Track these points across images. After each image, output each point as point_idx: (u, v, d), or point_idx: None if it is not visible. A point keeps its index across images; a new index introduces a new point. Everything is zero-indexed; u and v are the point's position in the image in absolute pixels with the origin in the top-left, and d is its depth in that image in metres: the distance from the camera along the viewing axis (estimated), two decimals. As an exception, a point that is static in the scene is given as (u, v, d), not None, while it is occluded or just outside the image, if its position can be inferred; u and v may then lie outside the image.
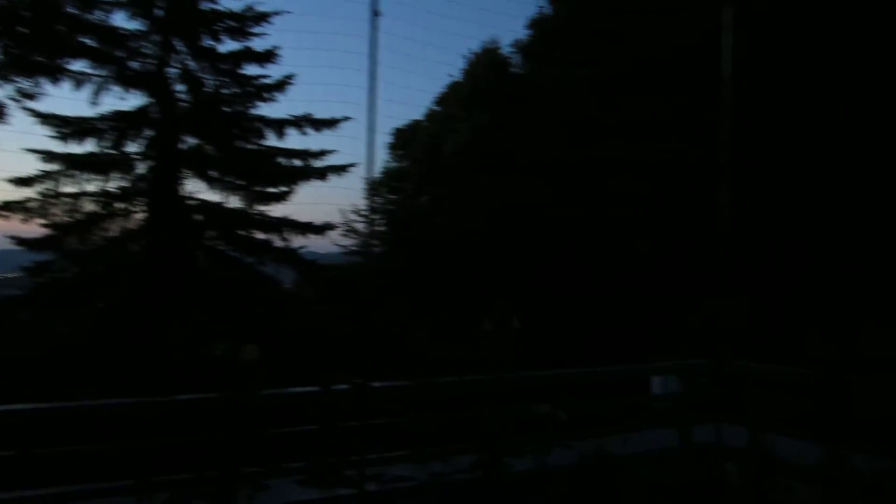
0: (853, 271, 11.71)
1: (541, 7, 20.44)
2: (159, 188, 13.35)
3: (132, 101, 13.29)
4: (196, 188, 13.83)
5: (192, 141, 13.79)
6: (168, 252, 13.05)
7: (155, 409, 4.15)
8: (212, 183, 13.94)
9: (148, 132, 13.42)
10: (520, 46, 22.04)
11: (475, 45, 22.77)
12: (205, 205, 13.92)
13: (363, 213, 23.57)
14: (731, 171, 6.46)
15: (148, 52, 13.27)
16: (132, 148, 13.39)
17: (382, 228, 24.06)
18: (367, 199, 24.12)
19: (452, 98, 23.06)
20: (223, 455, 3.49)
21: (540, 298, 15.76)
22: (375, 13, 4.17)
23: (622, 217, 15.92)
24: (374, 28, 4.14)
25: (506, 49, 22.80)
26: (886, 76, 13.02)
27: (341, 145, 14.47)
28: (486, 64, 22.26)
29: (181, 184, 13.72)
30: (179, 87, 13.56)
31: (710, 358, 5.77)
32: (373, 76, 4.16)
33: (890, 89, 12.93)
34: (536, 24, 20.53)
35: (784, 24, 14.53)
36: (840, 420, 3.74)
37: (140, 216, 13.49)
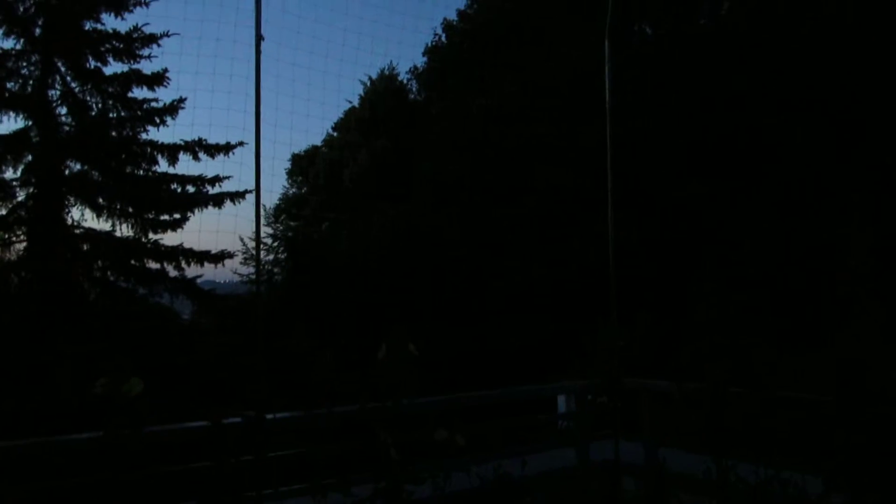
0: (743, 286, 12.36)
1: (436, 35, 20.80)
2: (41, 216, 12.64)
3: (9, 124, 12.62)
4: (82, 216, 13.21)
5: (76, 166, 13.18)
6: (52, 283, 12.34)
7: (30, 453, 3.88)
8: (99, 210, 13.32)
9: (28, 157, 12.72)
10: (416, 74, 22.31)
11: (372, 72, 22.90)
12: (92, 233, 13.28)
13: (263, 241, 23.17)
14: (618, 194, 6.68)
15: (26, 72, 12.64)
16: (10, 174, 12.67)
17: (283, 256, 23.69)
18: (266, 226, 23.83)
19: (351, 124, 23.05)
20: (105, 498, 3.30)
21: (442, 323, 15.82)
22: (259, 37, 4.11)
23: (520, 241, 16.24)
24: (258, 52, 4.08)
25: (403, 76, 23.05)
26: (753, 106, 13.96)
27: (238, 171, 14.13)
28: (383, 91, 22.39)
29: (66, 211, 13.06)
30: (62, 110, 12.99)
31: (604, 376, 5.90)
32: (258, 100, 4.08)
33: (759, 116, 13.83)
34: (432, 52, 20.84)
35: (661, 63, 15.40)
36: (725, 432, 3.88)
37: (20, 246, 12.73)
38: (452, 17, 20.82)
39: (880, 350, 3.49)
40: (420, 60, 21.98)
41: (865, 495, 3.27)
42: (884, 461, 3.31)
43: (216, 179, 13.87)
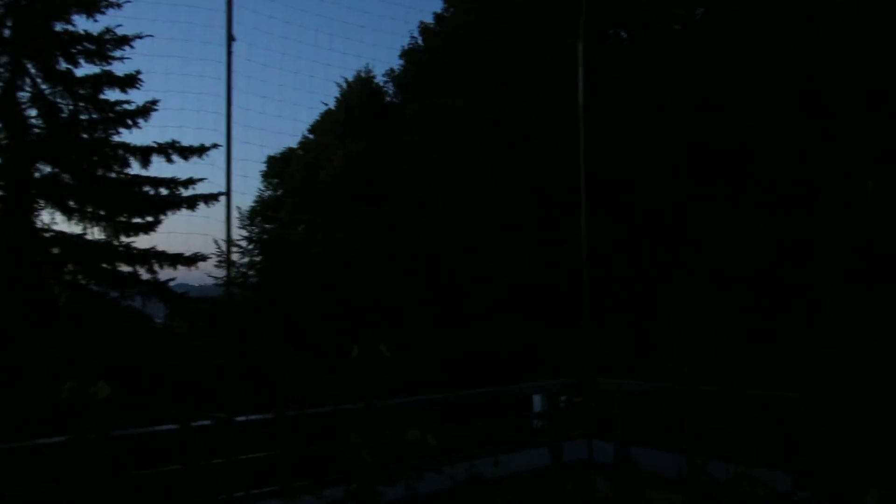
0: (718, 288, 12.47)
1: (413, 38, 20.81)
2: (10, 219, 12.46)
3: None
4: (53, 219, 13.04)
5: (47, 169, 13.00)
6: (22, 287, 12.15)
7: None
8: (70, 213, 13.16)
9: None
10: (393, 76, 22.29)
11: (349, 75, 22.84)
12: (63, 237, 13.11)
13: (237, 243, 23.00)
14: (595, 196, 6.73)
15: (-5, 74, 12.48)
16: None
17: (258, 259, 23.52)
18: (241, 228, 23.66)
19: (327, 127, 22.97)
20: (74, 503, 3.24)
21: (420, 325, 15.81)
22: (231, 38, 4.07)
23: (499, 243, 16.28)
24: (229, 53, 4.05)
25: (379, 79, 23.02)
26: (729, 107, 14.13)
27: (211, 173, 13.97)
28: (359, 93, 22.33)
29: (36, 214, 12.87)
30: (32, 112, 12.82)
31: (579, 376, 5.94)
32: (229, 100, 4.06)
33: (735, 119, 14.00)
34: (409, 54, 20.85)
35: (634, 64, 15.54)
36: (695, 430, 3.92)
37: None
38: (429, 20, 20.88)
39: (851, 351, 3.55)
40: (396, 63, 21.99)
41: (832, 491, 3.31)
42: (851, 457, 3.36)
43: (189, 182, 13.75)
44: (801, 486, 3.45)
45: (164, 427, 3.86)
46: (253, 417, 4.01)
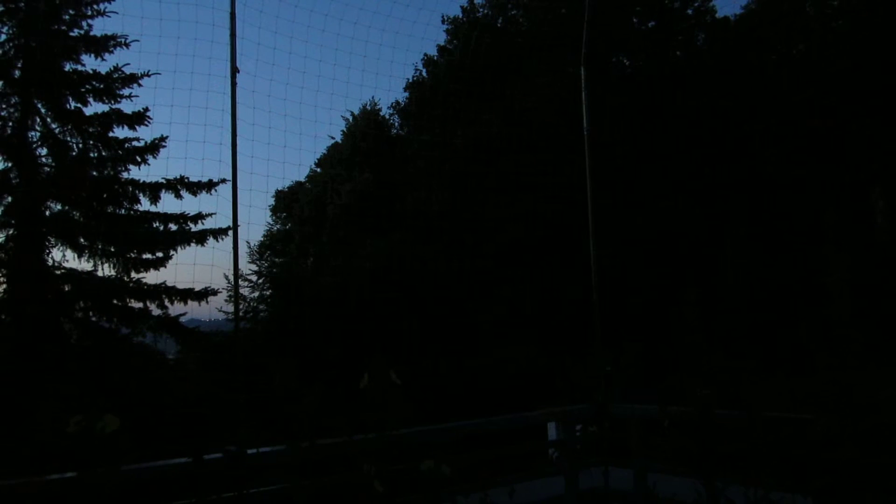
0: (727, 310, 12.37)
1: (417, 70, 21.03)
2: (21, 257, 12.52)
3: (-11, 165, 12.55)
4: (63, 257, 13.10)
5: (57, 207, 13.10)
6: (33, 325, 12.17)
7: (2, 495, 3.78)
8: (81, 250, 13.23)
9: (7, 198, 12.64)
10: (398, 109, 22.49)
11: (353, 106, 23.06)
12: (73, 274, 13.16)
13: (247, 277, 23.07)
14: (603, 222, 6.71)
15: (6, 114, 12.62)
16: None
17: (268, 293, 23.55)
18: (251, 263, 23.73)
19: (334, 159, 23.13)
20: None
21: (430, 355, 15.74)
22: (234, 70, 4.11)
23: (507, 271, 16.25)
24: (233, 84, 4.08)
25: (385, 111, 23.24)
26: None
27: (220, 208, 14.03)
28: (366, 125, 22.51)
29: (47, 252, 12.95)
30: (42, 151, 12.95)
31: (592, 403, 5.86)
32: (234, 131, 4.08)
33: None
34: (413, 86, 21.06)
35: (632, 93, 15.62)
36: (714, 455, 3.85)
37: (0, 288, 12.60)
38: (432, 52, 21.12)
39: (860, 372, 3.48)
40: (402, 95, 22.20)
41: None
42: (872, 477, 3.29)
43: (199, 217, 13.81)
44: (823, 509, 3.37)
45: (176, 461, 3.82)
46: (264, 450, 3.97)
